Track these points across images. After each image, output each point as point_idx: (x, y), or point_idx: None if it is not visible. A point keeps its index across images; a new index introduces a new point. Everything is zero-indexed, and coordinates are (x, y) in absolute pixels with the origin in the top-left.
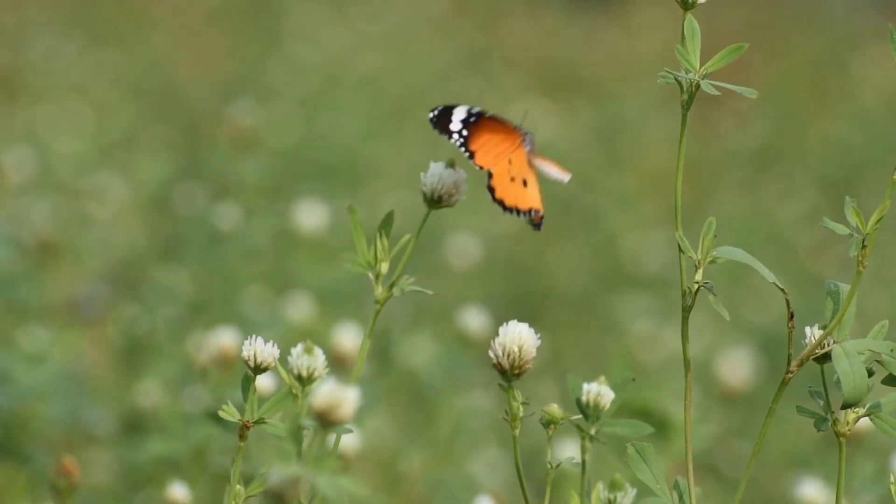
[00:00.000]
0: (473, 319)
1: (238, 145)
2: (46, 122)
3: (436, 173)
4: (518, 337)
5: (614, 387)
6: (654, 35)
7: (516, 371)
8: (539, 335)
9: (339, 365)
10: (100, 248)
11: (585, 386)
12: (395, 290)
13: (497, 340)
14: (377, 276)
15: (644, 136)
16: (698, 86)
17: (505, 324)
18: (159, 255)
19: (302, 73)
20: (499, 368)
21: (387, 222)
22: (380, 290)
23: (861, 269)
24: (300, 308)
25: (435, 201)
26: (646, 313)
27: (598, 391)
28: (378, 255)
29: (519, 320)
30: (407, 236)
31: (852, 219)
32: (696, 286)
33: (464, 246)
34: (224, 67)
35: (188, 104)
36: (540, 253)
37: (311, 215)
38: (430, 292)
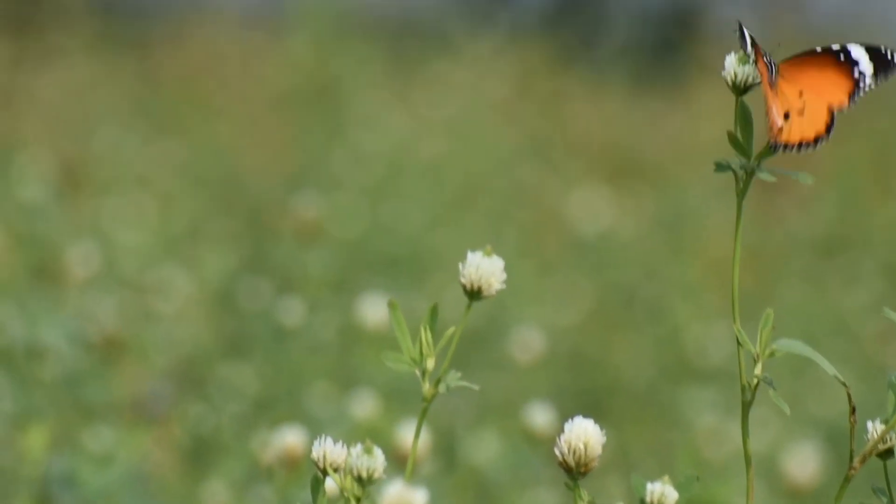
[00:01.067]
0: (538, 415)
1: (302, 237)
2: (111, 215)
3: (473, 263)
4: (583, 433)
5: (678, 486)
6: (717, 120)
7: (582, 469)
8: (604, 430)
9: (403, 464)
10: (165, 345)
11: (649, 486)
12: (442, 387)
13: (562, 438)
14: (423, 373)
15: (707, 223)
16: (753, 173)
17: (570, 420)
18: (224, 350)
19: (365, 161)
20: (564, 467)
21: (431, 316)
22: (427, 387)
23: None
24: (365, 405)
25: (475, 293)
26: (712, 407)
27: (662, 491)
28: (423, 350)
29: (584, 414)
30: (451, 329)
31: None
32: (755, 380)
33: (527, 339)
34: (288, 156)
35: (252, 194)
36: (604, 345)
37: (375, 309)
38: (476, 387)
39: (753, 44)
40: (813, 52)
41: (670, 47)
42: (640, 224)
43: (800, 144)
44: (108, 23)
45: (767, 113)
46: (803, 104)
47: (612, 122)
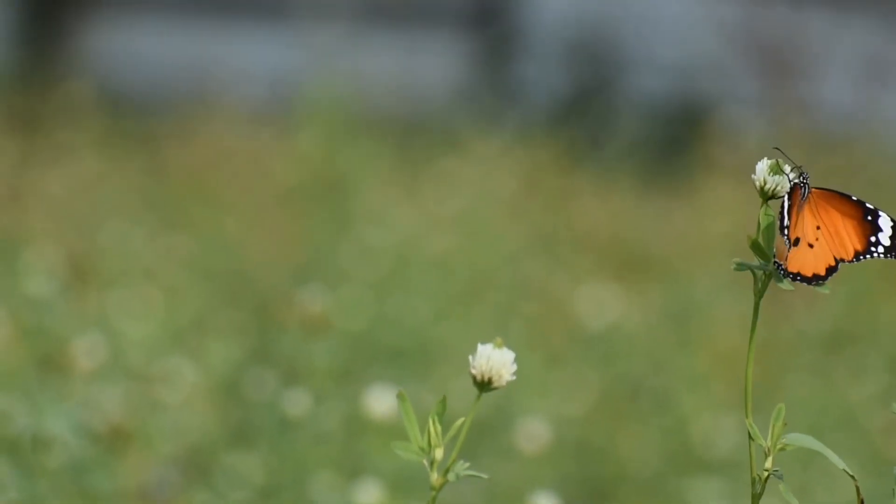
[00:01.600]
0: (544, 503)
1: (308, 329)
2: (117, 307)
3: (484, 355)
4: None
5: None
6: (724, 217)
7: None
8: None
9: None
10: (171, 433)
11: None
12: (451, 476)
13: None
14: (431, 463)
15: (715, 316)
16: (770, 276)
17: None
18: (230, 440)
19: (372, 255)
20: None
21: (440, 407)
22: (435, 477)
23: None
24: (370, 494)
25: (485, 384)
26: (718, 497)
27: None
28: (431, 440)
29: (589, 503)
30: (460, 420)
31: None
32: (766, 474)
33: (534, 429)
34: (295, 250)
35: (258, 288)
36: (611, 435)
37: (381, 400)
38: (485, 476)
39: (797, 184)
40: (847, 197)
41: (678, 145)
42: (648, 317)
43: (796, 275)
44: (117, 119)
45: (781, 241)
46: (816, 240)
47: (619, 218)
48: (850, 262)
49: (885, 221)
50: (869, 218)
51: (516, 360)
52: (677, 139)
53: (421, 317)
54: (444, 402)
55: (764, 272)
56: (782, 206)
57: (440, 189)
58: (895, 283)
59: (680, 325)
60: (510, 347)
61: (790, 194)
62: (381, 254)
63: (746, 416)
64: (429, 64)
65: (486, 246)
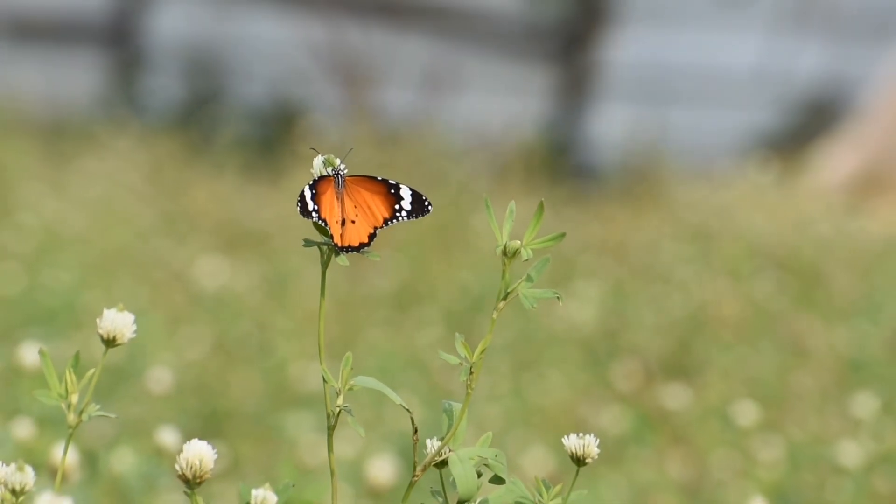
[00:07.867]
0: (168, 436)
1: None
2: None
3: (109, 318)
4: (198, 453)
5: (278, 491)
6: None
7: (198, 480)
8: (217, 449)
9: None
10: None
11: (254, 491)
12: (84, 416)
13: (182, 456)
14: (69, 406)
15: (305, 282)
16: (333, 249)
17: (188, 442)
18: None
19: (24, 235)
20: (183, 479)
21: (75, 361)
22: (71, 417)
23: (469, 391)
24: (25, 430)
25: (111, 341)
26: (311, 426)
27: (264, 496)
28: (68, 388)
29: (205, 435)
30: (91, 371)
31: (461, 350)
32: (337, 409)
33: (159, 375)
34: None
35: None
36: (224, 378)
37: (32, 354)
38: (113, 415)
39: (318, 180)
40: (374, 179)
41: (274, 143)
42: (252, 283)
43: (348, 247)
44: None
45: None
46: (356, 216)
47: (227, 203)
48: (382, 227)
49: (405, 192)
50: (392, 191)
51: (145, 318)
52: (274, 139)
53: (68, 285)
54: (77, 356)
55: (328, 247)
56: (302, 194)
57: (81, 181)
58: (446, 250)
59: (278, 290)
60: (140, 308)
61: (313, 185)
62: (32, 234)
63: (321, 363)
64: (72, 78)
65: (120, 226)
